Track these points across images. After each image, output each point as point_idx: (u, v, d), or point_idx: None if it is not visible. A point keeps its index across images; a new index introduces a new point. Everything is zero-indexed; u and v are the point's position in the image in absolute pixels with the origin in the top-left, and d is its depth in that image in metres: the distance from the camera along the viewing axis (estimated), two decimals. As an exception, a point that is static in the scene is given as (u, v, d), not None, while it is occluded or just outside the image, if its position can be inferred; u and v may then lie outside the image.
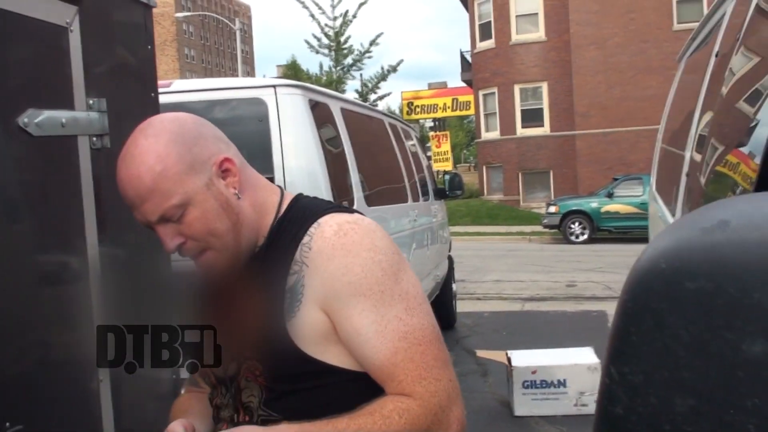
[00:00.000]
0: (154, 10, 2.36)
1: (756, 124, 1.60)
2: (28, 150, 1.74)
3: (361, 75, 23.36)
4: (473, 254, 15.14)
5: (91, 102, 1.95)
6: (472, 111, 32.68)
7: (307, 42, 21.65)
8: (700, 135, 2.46)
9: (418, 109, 34.64)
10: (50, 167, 1.86)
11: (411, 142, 7.22)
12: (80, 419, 1.89)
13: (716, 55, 2.46)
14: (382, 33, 21.87)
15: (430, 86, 41.26)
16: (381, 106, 26.17)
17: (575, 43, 24.90)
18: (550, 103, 26.22)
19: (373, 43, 21.58)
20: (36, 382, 1.71)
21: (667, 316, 0.36)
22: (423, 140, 14.55)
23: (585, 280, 11.85)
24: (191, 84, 4.43)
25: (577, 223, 18.53)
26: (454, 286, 8.23)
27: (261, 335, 1.29)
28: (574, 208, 18.66)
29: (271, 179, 3.51)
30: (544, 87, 26.28)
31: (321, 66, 24.51)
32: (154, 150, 1.24)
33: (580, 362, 5.05)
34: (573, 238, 18.46)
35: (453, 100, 34.74)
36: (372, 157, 5.49)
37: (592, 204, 18.52)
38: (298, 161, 3.86)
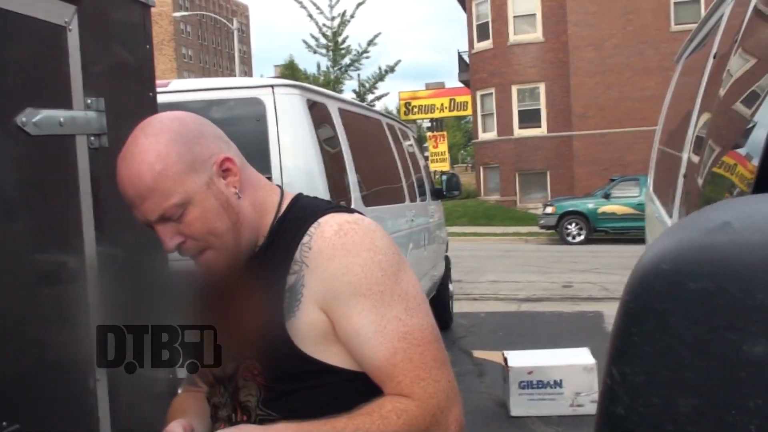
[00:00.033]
0: (152, 10, 2.36)
1: (754, 126, 1.60)
2: (26, 149, 1.73)
3: (358, 75, 23.38)
4: (470, 255, 15.15)
5: (89, 101, 1.94)
6: (469, 111, 32.72)
7: (305, 42, 21.65)
8: (697, 136, 2.47)
9: (415, 110, 34.67)
10: (48, 166, 1.86)
11: (408, 143, 7.22)
12: (77, 418, 1.89)
13: (714, 57, 2.46)
14: (379, 33, 21.81)
15: (428, 86, 41.27)
16: (378, 106, 26.18)
17: (573, 44, 24.93)
18: (547, 104, 26.25)
19: (370, 43, 21.60)
20: (33, 382, 1.71)
21: (669, 316, 0.37)
22: (420, 140, 14.54)
23: (581, 280, 11.86)
24: (189, 84, 4.43)
25: (573, 224, 18.55)
26: (451, 286, 8.23)
27: (260, 335, 1.28)
28: (570, 208, 18.68)
29: (269, 179, 3.50)
30: (542, 88, 26.31)
31: (318, 66, 24.54)
32: (154, 149, 1.24)
33: (576, 363, 5.06)
34: (570, 238, 18.48)
35: (450, 100, 34.77)
36: (369, 157, 5.49)
37: (588, 205, 18.54)
38: (296, 161, 3.86)
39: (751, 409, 0.33)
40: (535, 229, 20.37)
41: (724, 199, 1.51)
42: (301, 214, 1.34)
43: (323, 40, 21.52)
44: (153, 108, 2.25)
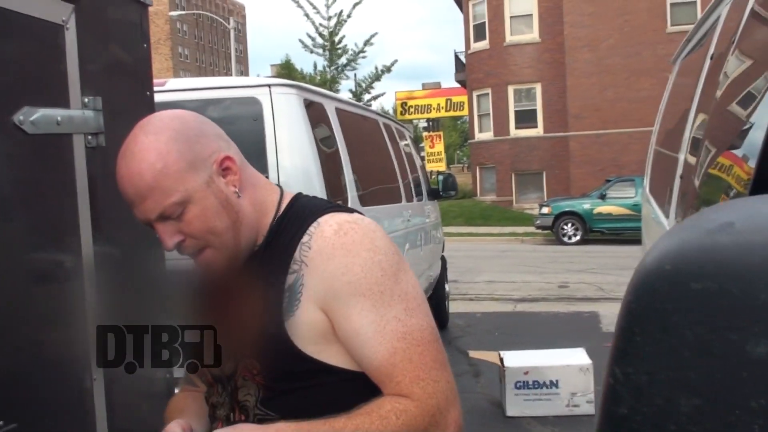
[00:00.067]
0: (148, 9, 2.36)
1: (751, 127, 1.60)
2: (23, 148, 1.73)
3: (355, 75, 23.38)
4: (466, 255, 15.16)
5: (86, 100, 1.94)
6: (465, 112, 32.74)
7: (302, 41, 21.64)
8: (694, 137, 2.47)
9: (411, 110, 34.67)
10: (45, 165, 1.85)
11: (405, 143, 7.22)
12: (74, 418, 1.89)
13: (711, 58, 2.47)
14: (376, 33, 21.78)
15: (424, 86, 41.26)
16: (375, 106, 26.17)
17: (569, 44, 24.97)
18: (543, 105, 26.28)
19: (367, 43, 21.58)
20: (30, 381, 1.71)
21: (672, 316, 0.37)
22: (416, 140, 14.53)
23: (577, 281, 11.88)
24: (186, 83, 4.42)
25: (569, 225, 18.57)
26: (447, 286, 8.24)
27: (259, 334, 1.28)
28: (566, 209, 18.70)
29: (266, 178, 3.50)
30: (538, 88, 26.34)
31: (315, 66, 24.50)
32: (154, 147, 1.24)
33: (572, 363, 5.06)
34: (565, 239, 18.50)
35: (447, 100, 34.80)
36: (366, 157, 5.49)
37: (584, 205, 18.56)
38: (293, 160, 3.86)
39: (754, 408, 0.34)
40: (531, 229, 20.39)
41: (725, 201, 1.52)
42: (300, 213, 1.34)
43: (320, 40, 21.53)
44: (150, 107, 2.25)
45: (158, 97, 2.40)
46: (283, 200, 1.39)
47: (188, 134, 1.28)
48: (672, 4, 23.83)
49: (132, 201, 1.26)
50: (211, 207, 1.27)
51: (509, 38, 26.54)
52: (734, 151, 1.74)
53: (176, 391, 1.70)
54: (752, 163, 1.41)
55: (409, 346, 1.23)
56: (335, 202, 3.56)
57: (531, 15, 26.26)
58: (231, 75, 52.28)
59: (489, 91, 27.25)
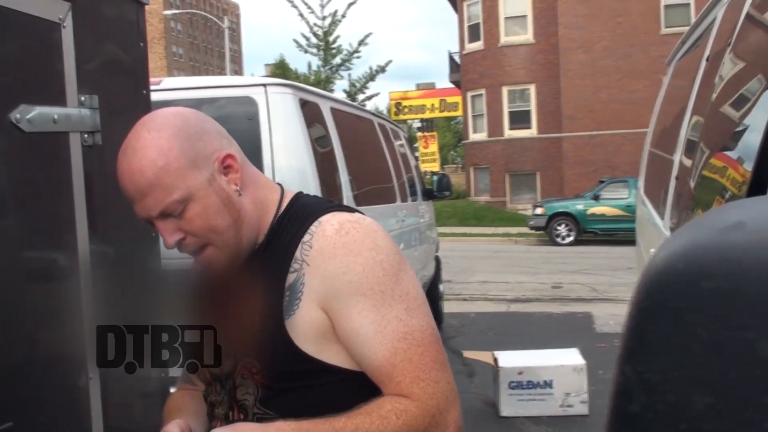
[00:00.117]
0: (144, 8, 2.35)
1: (746, 129, 1.61)
2: (19, 146, 1.73)
3: (349, 75, 23.34)
4: (459, 255, 15.17)
5: (83, 99, 1.94)
6: (459, 112, 32.78)
7: (296, 41, 21.59)
8: (690, 139, 2.48)
9: (406, 110, 34.68)
10: (42, 163, 1.85)
11: (399, 143, 7.23)
12: (70, 416, 1.88)
13: (707, 60, 2.48)
14: (371, 33, 21.76)
15: (419, 87, 41.32)
16: (369, 106, 26.16)
17: (563, 45, 25.03)
18: (537, 105, 26.33)
19: (361, 43, 21.56)
20: (26, 380, 1.70)
21: (683, 315, 0.37)
22: (411, 141, 14.52)
23: (571, 281, 11.91)
24: (181, 82, 4.42)
25: (563, 225, 18.61)
26: (441, 286, 8.25)
27: (259, 333, 1.28)
28: (560, 210, 18.74)
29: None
30: (532, 89, 26.39)
31: (309, 65, 24.46)
32: (156, 144, 1.23)
33: (566, 363, 5.08)
34: (559, 239, 18.53)
35: (441, 101, 34.81)
36: (361, 156, 5.49)
37: (578, 206, 18.60)
38: (288, 160, 3.85)
39: (767, 406, 0.34)
40: (524, 230, 20.42)
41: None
42: (301, 212, 1.33)
43: (314, 40, 21.48)
44: (147, 106, 2.24)
45: (154, 96, 2.39)
46: (284, 199, 1.38)
47: (190, 131, 1.27)
48: (666, 6, 23.91)
49: (132, 198, 1.25)
50: (213, 205, 1.27)
51: (503, 39, 26.58)
52: (730, 153, 1.75)
53: (171, 390, 1.69)
54: (748, 165, 1.42)
55: (409, 347, 1.23)
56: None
57: (525, 16, 26.31)
58: (225, 74, 52.21)
59: (483, 91, 27.28)
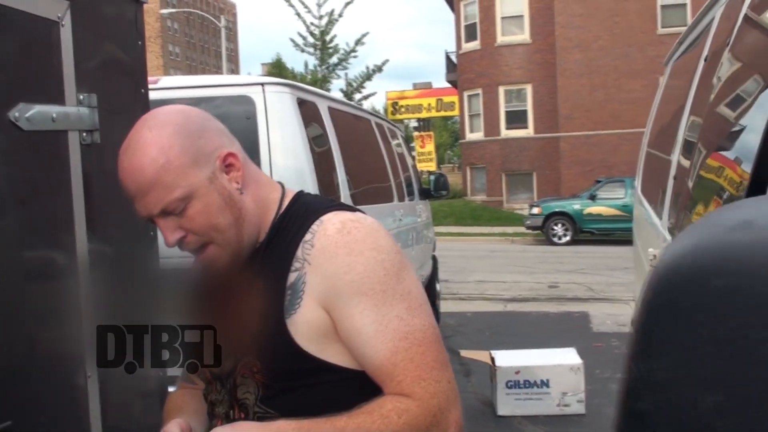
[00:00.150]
0: (141, 7, 2.35)
1: (744, 129, 1.62)
2: (18, 144, 1.72)
3: (346, 74, 23.32)
4: (456, 255, 15.18)
5: (81, 97, 1.93)
6: (456, 112, 32.82)
7: (293, 40, 21.56)
8: (688, 139, 2.48)
9: (402, 109, 34.71)
10: (40, 162, 1.85)
11: (396, 142, 7.22)
12: (68, 415, 1.88)
13: (705, 60, 2.48)
14: (367, 33, 21.71)
15: (415, 86, 41.34)
16: (366, 105, 26.15)
17: (560, 45, 25.04)
18: (534, 105, 26.34)
19: (358, 42, 21.52)
20: (24, 379, 1.70)
21: (692, 313, 0.37)
22: (407, 140, 14.53)
23: (567, 281, 11.92)
24: (179, 81, 4.41)
25: (559, 225, 18.62)
26: (438, 286, 8.25)
27: (260, 332, 1.27)
28: (556, 209, 18.76)
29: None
30: (529, 89, 26.40)
31: (306, 65, 24.43)
32: (157, 142, 1.23)
33: (563, 363, 5.08)
34: (555, 239, 18.55)
35: (438, 100, 34.86)
36: (358, 156, 5.49)
37: (574, 206, 18.62)
38: (286, 159, 3.85)
39: (776, 404, 0.34)
40: (521, 229, 20.44)
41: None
42: (302, 211, 1.33)
43: (311, 39, 21.45)
44: (145, 105, 2.24)
45: (151, 95, 2.39)
46: (285, 198, 1.38)
47: (191, 129, 1.27)
48: (663, 7, 23.95)
49: (133, 196, 1.24)
50: (214, 203, 1.26)
51: (500, 39, 26.59)
52: (728, 153, 1.75)
53: (171, 390, 1.69)
54: (746, 166, 1.42)
55: (410, 346, 1.23)
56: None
57: (522, 16, 26.32)
58: (222, 73, 52.15)
59: (480, 91, 27.29)
